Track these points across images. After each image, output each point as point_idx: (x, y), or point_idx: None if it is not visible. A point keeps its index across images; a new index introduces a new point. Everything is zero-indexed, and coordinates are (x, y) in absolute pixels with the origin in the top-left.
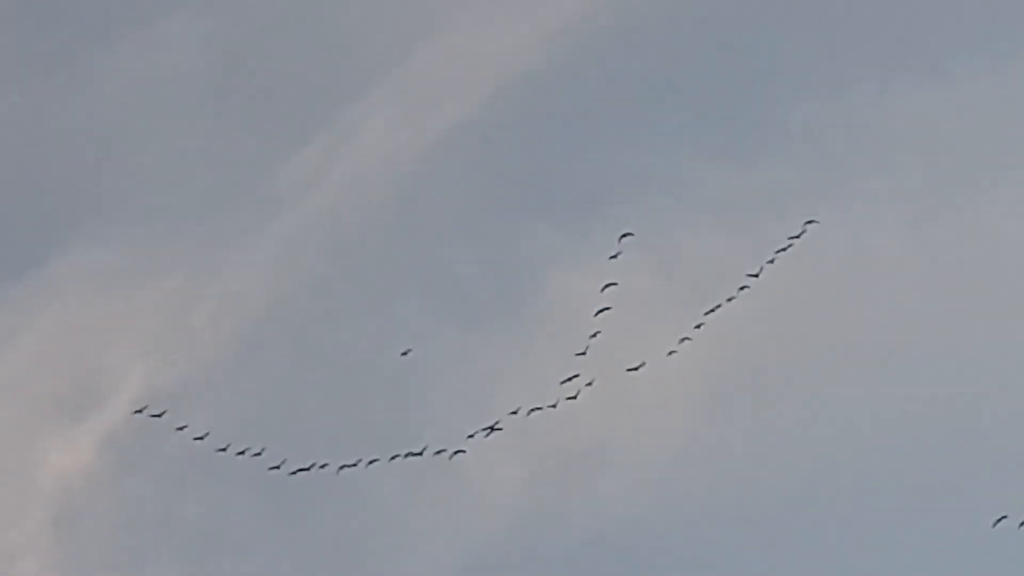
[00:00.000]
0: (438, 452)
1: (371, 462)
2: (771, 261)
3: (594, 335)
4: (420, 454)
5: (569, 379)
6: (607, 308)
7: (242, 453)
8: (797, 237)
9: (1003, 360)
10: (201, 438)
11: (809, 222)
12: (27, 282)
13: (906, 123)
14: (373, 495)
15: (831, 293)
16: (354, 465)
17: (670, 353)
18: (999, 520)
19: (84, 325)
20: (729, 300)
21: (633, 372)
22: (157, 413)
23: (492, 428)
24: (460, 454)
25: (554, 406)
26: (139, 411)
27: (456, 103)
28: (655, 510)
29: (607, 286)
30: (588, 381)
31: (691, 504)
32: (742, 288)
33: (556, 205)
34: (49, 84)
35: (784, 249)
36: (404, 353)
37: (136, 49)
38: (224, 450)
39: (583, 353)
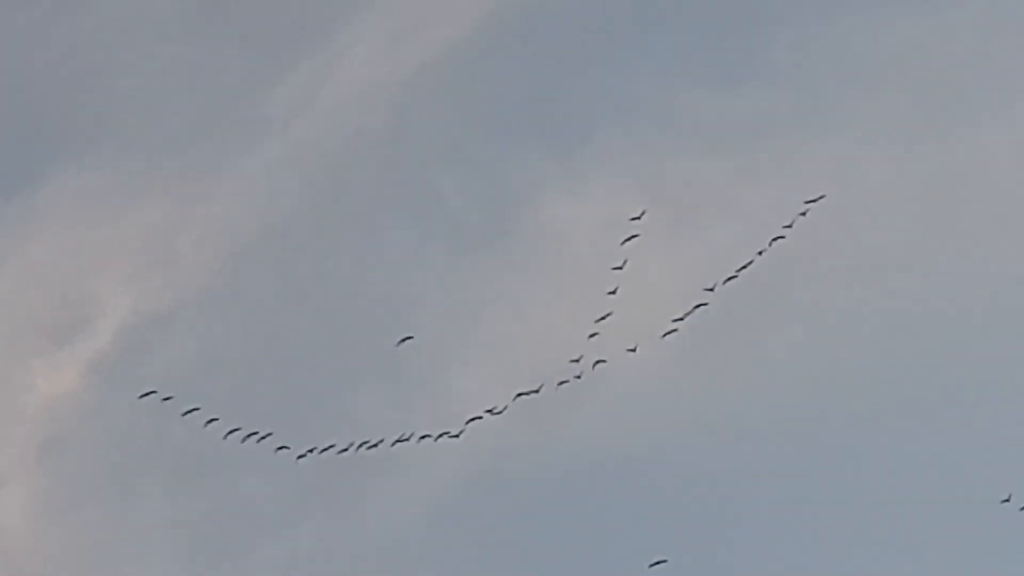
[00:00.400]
0: (438, 436)
1: (370, 446)
2: (803, 213)
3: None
4: (427, 437)
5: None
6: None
7: (251, 436)
8: (804, 215)
9: (990, 282)
10: (213, 420)
11: (816, 199)
12: (13, 207)
13: (893, 49)
14: (363, 419)
15: (818, 218)
16: (345, 450)
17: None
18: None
19: (71, 250)
20: (760, 253)
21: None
22: (167, 397)
23: (492, 411)
24: (451, 437)
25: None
26: (147, 394)
27: (445, 28)
28: (643, 439)
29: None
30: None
31: (682, 433)
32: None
33: (545, 131)
34: (35, 10)
35: (790, 225)
36: (403, 340)
37: None
38: (234, 431)
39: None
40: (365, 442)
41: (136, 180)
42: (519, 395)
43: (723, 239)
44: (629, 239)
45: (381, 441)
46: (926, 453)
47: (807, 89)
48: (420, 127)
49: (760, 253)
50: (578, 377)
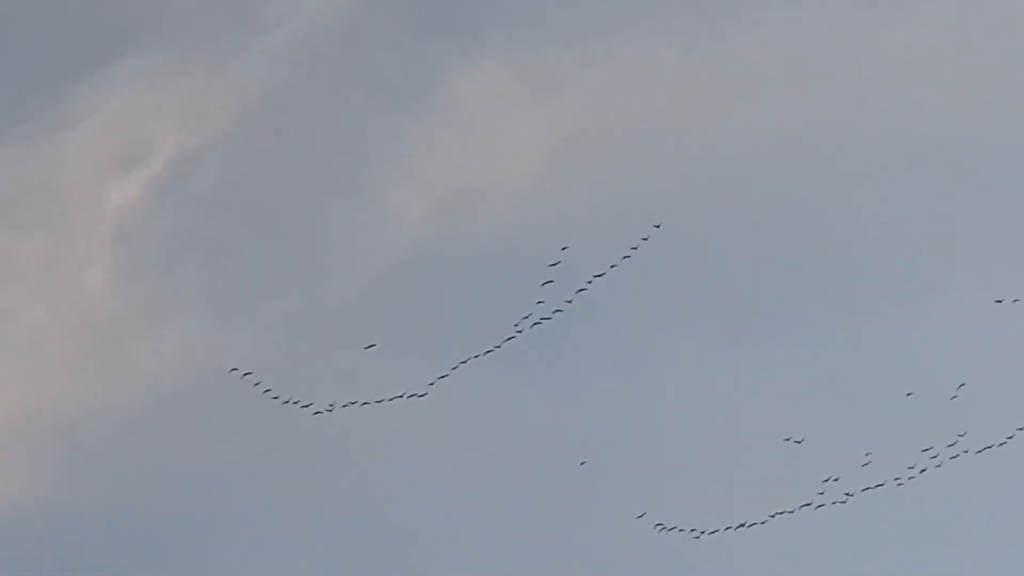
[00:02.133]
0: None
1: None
2: None
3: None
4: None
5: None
6: None
7: (287, 401)
8: None
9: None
10: (279, 398)
11: None
12: (96, 77)
13: None
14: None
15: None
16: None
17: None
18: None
19: (135, 106)
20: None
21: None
22: (247, 372)
23: None
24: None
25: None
26: (233, 370)
27: None
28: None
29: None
30: None
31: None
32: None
33: (452, 30)
34: None
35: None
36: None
37: None
38: (276, 398)
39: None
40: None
41: (183, 61)
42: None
43: (574, 106)
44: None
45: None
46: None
47: None
48: (375, 27)
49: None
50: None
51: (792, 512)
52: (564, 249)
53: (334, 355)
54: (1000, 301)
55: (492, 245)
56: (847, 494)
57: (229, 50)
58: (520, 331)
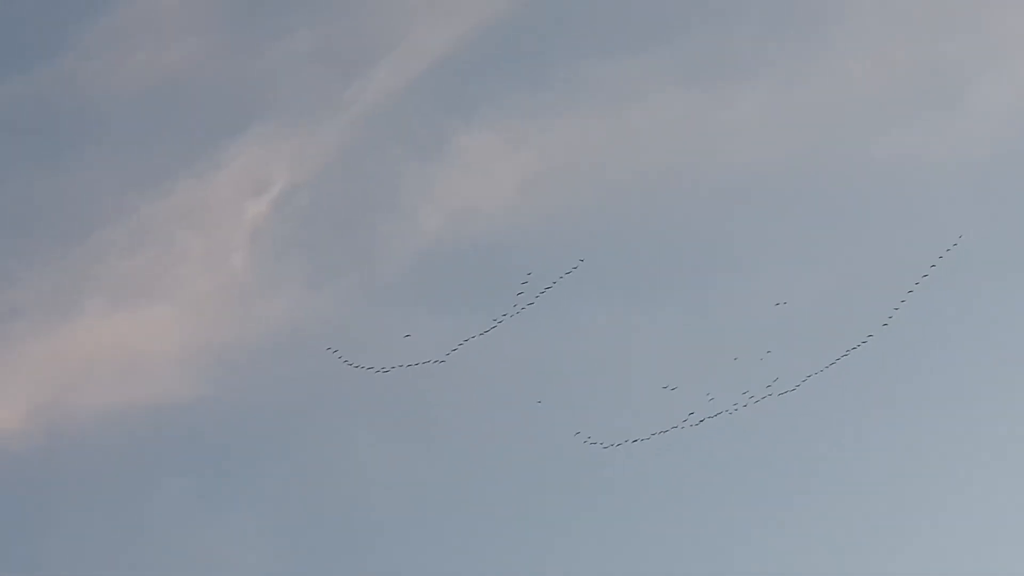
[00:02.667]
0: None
1: None
2: None
3: None
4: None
5: None
6: None
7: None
8: None
9: None
10: (360, 364)
11: None
12: (234, 138)
13: None
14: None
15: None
16: None
17: None
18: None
19: None
20: None
21: None
22: (335, 349)
23: None
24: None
25: None
26: (329, 349)
27: None
28: None
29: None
30: None
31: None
32: None
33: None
34: None
35: None
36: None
37: None
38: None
39: None
40: None
41: (291, 127)
42: None
43: (535, 156)
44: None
45: None
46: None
47: None
48: (411, 104)
49: None
50: None
51: (666, 431)
52: (529, 274)
53: (384, 321)
54: (781, 303)
55: (483, 246)
56: (700, 420)
57: (320, 119)
58: (505, 315)
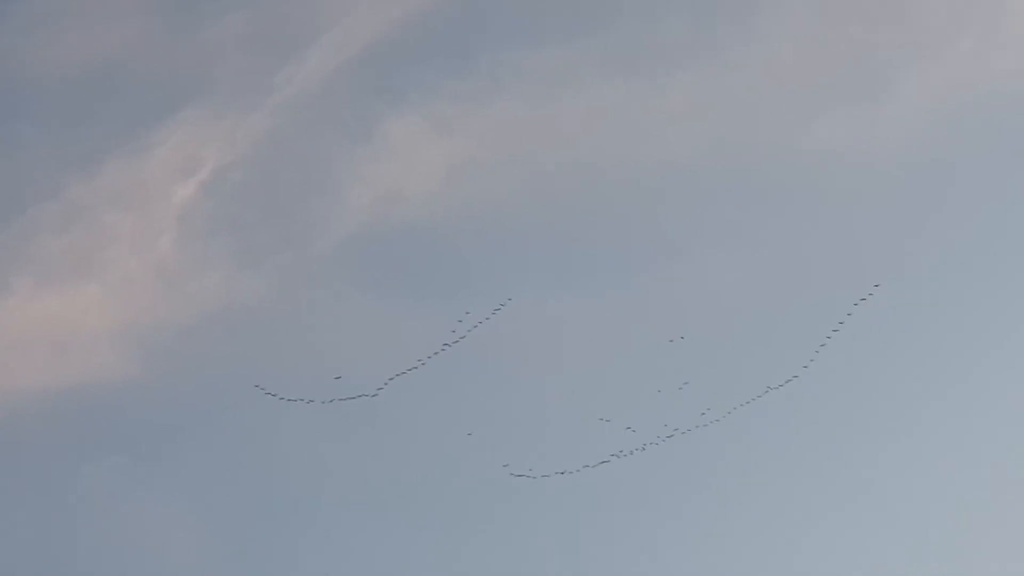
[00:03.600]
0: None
1: None
2: None
3: None
4: None
5: None
6: None
7: None
8: None
9: None
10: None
11: None
12: (165, 121)
13: None
14: None
15: None
16: None
17: None
18: None
19: None
20: None
21: None
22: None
23: None
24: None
25: None
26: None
27: None
28: None
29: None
30: None
31: None
32: None
33: None
34: None
35: None
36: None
37: None
38: None
39: None
40: None
41: (222, 109)
42: None
43: (461, 143)
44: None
45: None
46: None
47: None
48: (339, 91)
49: None
50: None
51: (593, 466)
52: (467, 312)
53: (315, 302)
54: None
55: (411, 229)
56: (630, 451)
57: (251, 103)
58: (436, 353)
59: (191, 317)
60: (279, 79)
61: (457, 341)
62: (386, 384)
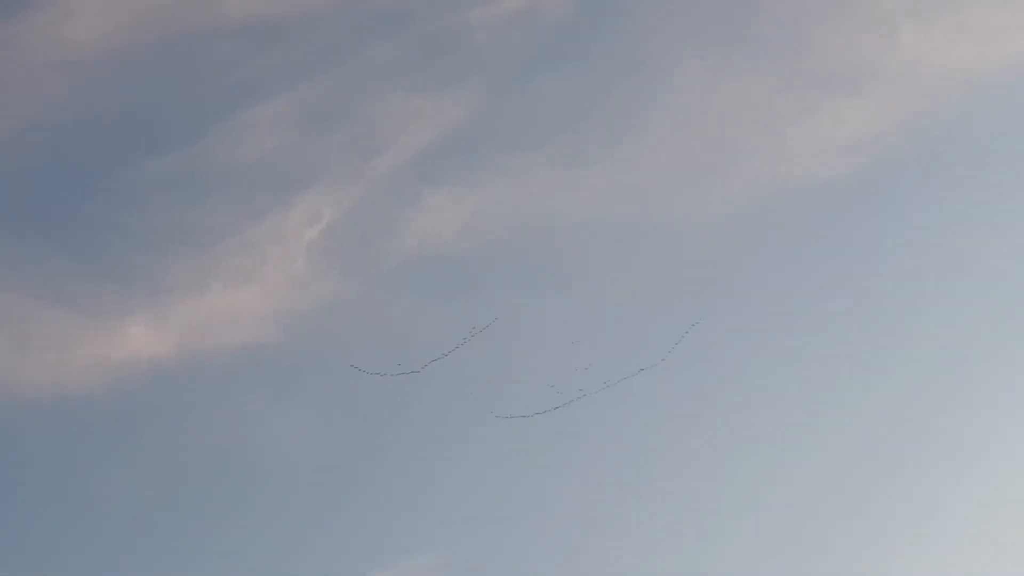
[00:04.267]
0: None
1: None
2: None
3: None
4: None
5: None
6: None
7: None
8: None
9: None
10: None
11: None
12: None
13: None
14: None
15: None
16: None
17: None
18: None
19: None
20: None
21: None
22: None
23: None
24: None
25: None
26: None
27: None
28: None
29: None
30: None
31: None
32: None
33: None
34: None
35: None
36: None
37: None
38: None
39: None
40: None
41: None
42: None
43: None
44: None
45: None
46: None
47: None
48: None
49: None
50: None
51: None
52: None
53: (386, 299)
54: None
55: (446, 254)
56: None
57: (351, 182)
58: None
59: (312, 308)
60: (368, 167)
61: (465, 341)
62: (427, 365)
